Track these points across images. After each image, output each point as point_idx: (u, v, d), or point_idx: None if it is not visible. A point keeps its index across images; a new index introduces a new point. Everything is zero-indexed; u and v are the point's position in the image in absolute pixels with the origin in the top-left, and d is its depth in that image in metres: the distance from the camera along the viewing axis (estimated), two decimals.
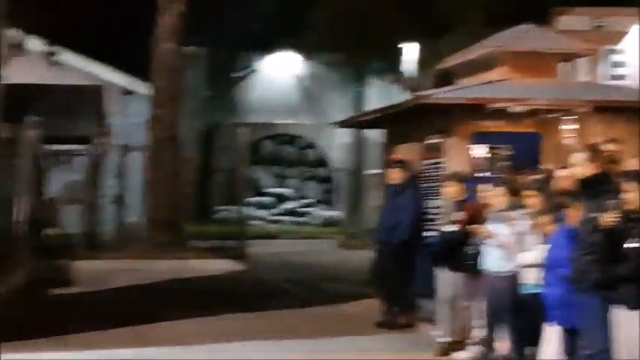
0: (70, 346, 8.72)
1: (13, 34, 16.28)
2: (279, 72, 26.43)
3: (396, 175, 10.27)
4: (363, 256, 11.93)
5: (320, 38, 24.01)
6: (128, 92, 21.09)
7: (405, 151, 11.40)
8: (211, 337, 9.33)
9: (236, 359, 8.59)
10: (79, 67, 20.62)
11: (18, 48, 17.80)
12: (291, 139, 27.66)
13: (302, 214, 26.96)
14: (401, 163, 10.45)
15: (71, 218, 17.41)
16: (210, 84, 25.99)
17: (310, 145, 27.54)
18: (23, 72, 16.00)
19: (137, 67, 19.90)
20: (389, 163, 10.89)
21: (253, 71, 26.68)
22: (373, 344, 9.30)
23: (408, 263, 10.04)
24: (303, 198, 27.39)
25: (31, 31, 18.88)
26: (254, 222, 23.98)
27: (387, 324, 10.03)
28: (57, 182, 17.65)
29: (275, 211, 27.02)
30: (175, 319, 10.21)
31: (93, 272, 14.08)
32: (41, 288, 12.39)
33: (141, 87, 20.32)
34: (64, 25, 18.93)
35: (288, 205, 27.19)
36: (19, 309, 10.37)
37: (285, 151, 27.80)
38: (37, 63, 19.28)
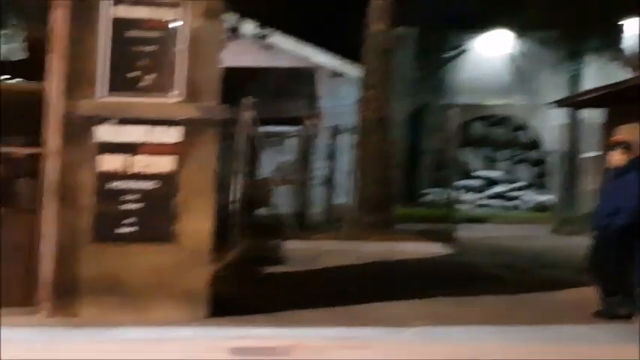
0: (281, 323, 8.85)
1: (229, 18, 16.79)
2: (491, 51, 25.88)
3: (617, 157, 9.79)
4: (578, 243, 11.46)
5: (534, 15, 23.28)
6: (337, 74, 21.27)
7: (628, 132, 10.88)
8: (423, 319, 9.20)
9: (448, 343, 8.43)
10: (290, 50, 21.00)
11: (233, 32, 18.35)
12: (501, 121, 27.06)
13: (512, 198, 26.34)
14: (623, 145, 9.94)
15: (283, 199, 17.79)
16: (419, 64, 25.82)
17: (522, 127, 26.83)
18: (238, 55, 16.45)
19: (346, 49, 20.01)
20: (610, 145, 10.38)
21: (464, 51, 26.26)
22: (591, 334, 8.87)
23: (629, 251, 9.55)
24: (513, 181, 26.74)
25: (245, 15, 19.39)
26: (462, 205, 23.65)
27: (606, 314, 9.57)
28: (269, 163, 18.06)
29: (484, 194, 26.55)
30: (385, 301, 10.17)
31: (303, 252, 14.31)
32: (254, 266, 12.72)
33: (350, 69, 20.42)
34: (276, 8, 19.32)
35: (498, 189, 26.64)
36: (233, 286, 10.66)
37: (496, 133, 27.23)
38: (250, 46, 19.80)
